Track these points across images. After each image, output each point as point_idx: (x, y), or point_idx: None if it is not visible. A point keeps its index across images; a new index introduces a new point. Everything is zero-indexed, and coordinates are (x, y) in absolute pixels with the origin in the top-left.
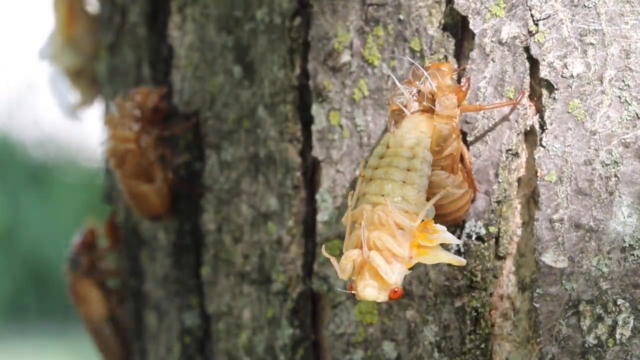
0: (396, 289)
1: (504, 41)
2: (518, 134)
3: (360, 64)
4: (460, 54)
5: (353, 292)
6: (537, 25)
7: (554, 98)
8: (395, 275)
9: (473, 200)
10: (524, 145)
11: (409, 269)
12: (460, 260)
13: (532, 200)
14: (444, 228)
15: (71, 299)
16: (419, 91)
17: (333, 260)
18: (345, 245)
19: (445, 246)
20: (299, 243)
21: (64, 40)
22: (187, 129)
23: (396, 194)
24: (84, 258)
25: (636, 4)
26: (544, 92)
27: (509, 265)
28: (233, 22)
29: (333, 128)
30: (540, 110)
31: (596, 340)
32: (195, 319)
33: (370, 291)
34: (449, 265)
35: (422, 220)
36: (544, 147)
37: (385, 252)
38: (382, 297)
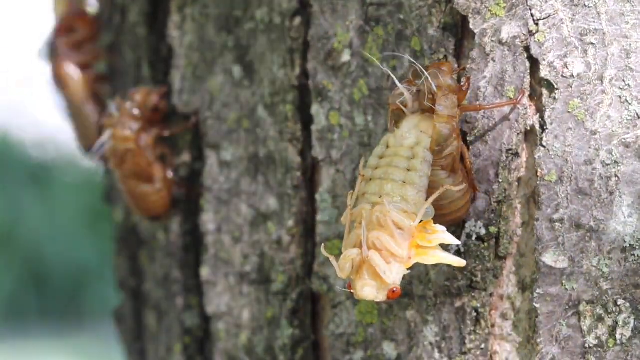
0: (395, 289)
1: (504, 41)
2: (518, 134)
3: (360, 63)
4: (461, 54)
5: (351, 291)
6: (537, 24)
7: (554, 98)
8: (393, 275)
9: (473, 200)
10: (524, 145)
11: (408, 269)
12: (460, 261)
13: (532, 200)
14: (444, 228)
15: (53, 85)
16: (419, 91)
17: (332, 259)
18: (344, 244)
19: (445, 247)
20: (299, 243)
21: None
22: (186, 128)
23: (396, 194)
24: (61, 40)
25: (637, 4)
26: (544, 91)
27: (509, 265)
28: (233, 22)
29: (333, 128)
30: (540, 110)
31: (596, 341)
32: (195, 319)
33: (368, 290)
34: (449, 265)
35: (422, 221)
36: (544, 146)
37: (384, 252)
38: (381, 296)
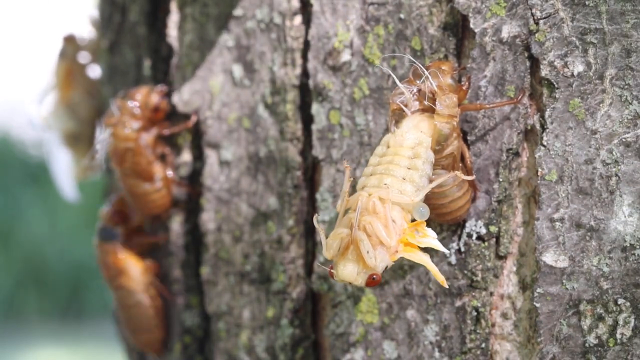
0: (375, 276)
1: (504, 40)
2: (519, 133)
3: (360, 63)
4: (461, 53)
5: (332, 271)
6: (537, 24)
7: (555, 97)
8: (377, 260)
9: (473, 200)
10: (525, 145)
11: (393, 261)
12: (443, 281)
13: (532, 199)
14: (434, 234)
15: (106, 272)
16: (419, 90)
17: (322, 233)
18: (335, 227)
19: (440, 252)
20: (299, 242)
21: (61, 102)
22: (186, 128)
23: (394, 188)
24: (121, 227)
25: (637, 3)
26: (545, 91)
27: (509, 264)
28: (233, 21)
29: (333, 127)
30: (540, 110)
31: (597, 340)
32: (195, 319)
33: (349, 270)
34: (449, 264)
35: (415, 221)
36: (544, 146)
37: (373, 238)
38: (360, 280)
